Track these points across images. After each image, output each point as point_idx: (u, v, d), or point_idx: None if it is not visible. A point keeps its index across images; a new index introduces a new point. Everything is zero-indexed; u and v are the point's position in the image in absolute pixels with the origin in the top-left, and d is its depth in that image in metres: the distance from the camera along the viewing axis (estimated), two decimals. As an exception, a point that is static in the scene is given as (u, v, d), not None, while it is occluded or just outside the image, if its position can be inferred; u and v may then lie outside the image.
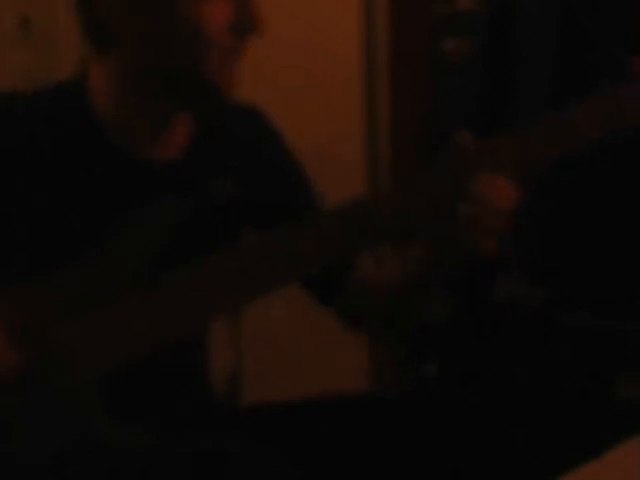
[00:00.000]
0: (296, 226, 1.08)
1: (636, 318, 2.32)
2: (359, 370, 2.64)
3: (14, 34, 2.20)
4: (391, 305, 1.23)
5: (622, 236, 2.37)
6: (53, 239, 1.12)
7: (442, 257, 1.09)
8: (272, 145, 1.27)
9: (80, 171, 1.13)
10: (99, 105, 1.13)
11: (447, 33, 2.51)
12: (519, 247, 2.40)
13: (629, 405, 2.27)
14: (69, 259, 1.07)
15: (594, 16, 2.36)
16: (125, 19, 1.07)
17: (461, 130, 1.06)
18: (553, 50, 2.43)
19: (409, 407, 2.40)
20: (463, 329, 2.55)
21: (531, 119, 1.07)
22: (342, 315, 1.29)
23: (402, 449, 2.18)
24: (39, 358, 1.04)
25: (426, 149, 2.47)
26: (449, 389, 2.54)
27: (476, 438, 2.20)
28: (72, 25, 1.15)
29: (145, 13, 1.06)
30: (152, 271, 1.06)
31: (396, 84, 2.53)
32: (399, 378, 2.64)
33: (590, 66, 2.30)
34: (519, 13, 2.45)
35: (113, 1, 1.06)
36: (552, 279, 2.49)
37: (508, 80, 2.46)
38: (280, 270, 1.07)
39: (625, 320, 2.35)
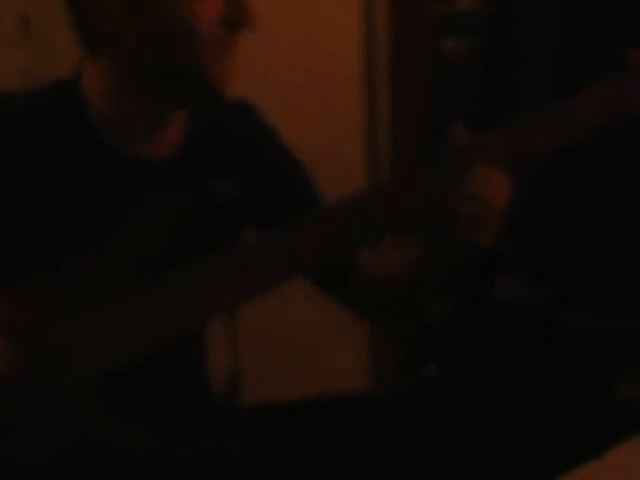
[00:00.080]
0: (295, 222, 1.08)
1: (636, 318, 2.32)
2: (359, 370, 2.63)
3: (14, 34, 2.20)
4: (390, 297, 1.24)
5: (622, 236, 2.37)
6: (52, 239, 1.12)
7: (441, 253, 1.09)
8: (268, 142, 1.26)
9: (76, 171, 1.13)
10: (93, 105, 1.13)
11: (447, 33, 2.51)
12: (517, 243, 2.40)
13: (629, 405, 2.27)
14: (68, 259, 1.07)
15: (594, 16, 2.36)
16: (117, 18, 1.06)
17: (457, 124, 1.06)
18: (553, 50, 2.43)
19: (409, 407, 2.41)
20: (463, 329, 2.55)
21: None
22: (346, 304, 1.29)
23: (402, 449, 2.18)
24: (39, 358, 1.04)
25: (426, 149, 2.47)
26: (449, 389, 2.54)
27: (476, 438, 2.20)
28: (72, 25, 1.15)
29: (137, 12, 1.05)
30: (152, 271, 1.06)
31: (396, 84, 2.53)
32: (399, 378, 2.64)
33: (590, 66, 2.30)
34: (519, 13, 2.45)
35: (104, 1, 1.06)
36: (552, 279, 2.49)
37: (508, 80, 2.46)
38: (280, 266, 1.06)
39: (625, 320, 2.35)
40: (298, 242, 1.06)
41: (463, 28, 2.51)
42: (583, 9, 2.40)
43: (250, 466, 1.17)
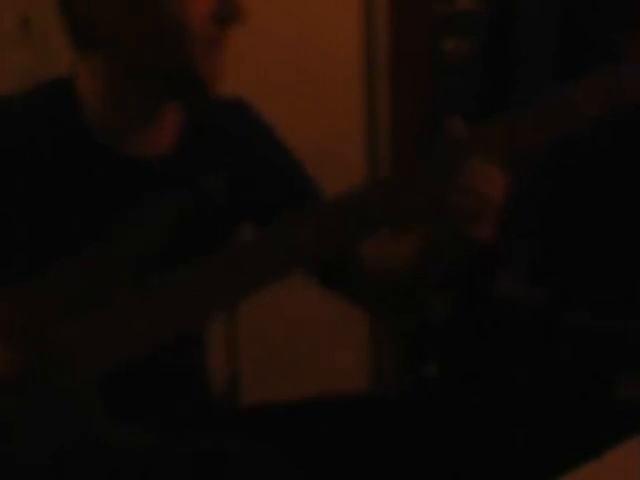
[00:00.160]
0: (294, 217, 1.08)
1: (636, 318, 2.32)
2: (359, 370, 2.64)
3: (14, 34, 2.20)
4: (391, 290, 1.24)
5: (623, 236, 2.37)
6: (50, 239, 1.12)
7: (440, 247, 1.09)
8: (264, 139, 1.26)
9: (71, 170, 1.13)
10: (87, 104, 1.13)
11: (447, 33, 2.51)
12: (517, 240, 2.40)
13: (629, 405, 2.27)
14: (67, 258, 1.07)
15: (594, 16, 2.36)
16: (109, 19, 1.06)
17: (453, 117, 1.06)
18: (553, 50, 2.43)
19: (409, 407, 2.41)
20: (463, 329, 2.56)
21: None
22: (346, 297, 1.29)
23: (402, 449, 2.18)
24: (39, 358, 1.04)
25: (426, 149, 2.47)
26: (449, 389, 2.54)
27: (476, 438, 2.20)
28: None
29: (129, 12, 1.06)
30: (151, 270, 1.06)
31: (396, 84, 2.53)
32: (399, 378, 2.64)
33: (590, 66, 2.30)
34: (519, 13, 2.46)
35: (96, 1, 1.06)
36: (552, 279, 2.49)
37: (508, 80, 2.46)
38: (280, 261, 1.06)
39: (625, 320, 2.35)
40: (297, 237, 1.06)
41: (463, 28, 2.51)
42: (583, 9, 2.40)
43: (250, 466, 1.17)
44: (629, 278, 2.36)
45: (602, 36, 2.28)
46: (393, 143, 2.56)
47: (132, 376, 1.06)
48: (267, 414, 2.30)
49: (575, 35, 2.40)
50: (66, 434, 1.04)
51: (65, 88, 1.14)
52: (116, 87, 1.11)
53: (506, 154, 1.05)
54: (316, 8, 2.43)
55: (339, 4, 2.47)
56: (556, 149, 1.06)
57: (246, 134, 1.24)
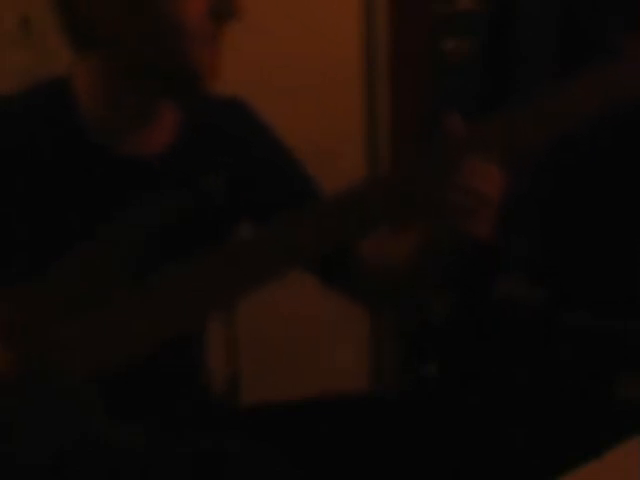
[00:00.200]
0: (294, 215, 1.08)
1: (636, 318, 2.33)
2: (359, 370, 2.64)
3: (14, 34, 2.20)
4: (391, 288, 1.24)
5: (623, 236, 2.37)
6: (49, 239, 1.12)
7: (439, 244, 1.09)
8: (261, 138, 1.26)
9: (67, 170, 1.13)
10: (84, 103, 1.13)
11: (447, 33, 2.51)
12: (517, 239, 2.40)
13: (629, 405, 2.27)
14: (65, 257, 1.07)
15: (594, 16, 2.36)
16: (108, 18, 1.06)
17: (451, 114, 1.06)
18: (553, 50, 2.43)
19: (409, 407, 2.41)
20: (463, 329, 2.55)
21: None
22: (346, 294, 1.29)
23: (402, 449, 2.18)
24: (39, 358, 1.04)
25: (426, 149, 2.47)
26: (449, 389, 2.54)
27: (476, 438, 2.20)
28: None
29: (127, 11, 1.06)
30: (150, 270, 1.06)
31: (396, 84, 2.53)
32: (399, 378, 2.64)
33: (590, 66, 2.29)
34: (519, 13, 2.45)
35: (95, 1, 1.06)
36: (552, 279, 2.49)
37: (508, 80, 2.46)
38: (279, 259, 1.06)
39: (625, 320, 2.35)
40: (297, 234, 1.06)
41: (463, 28, 2.51)
42: (583, 9, 2.40)
43: (250, 466, 1.17)
44: (629, 278, 2.37)
45: (602, 36, 2.28)
46: (393, 143, 2.56)
47: (132, 376, 1.06)
48: (267, 414, 2.30)
49: (575, 35, 2.40)
50: (66, 434, 1.04)
51: (62, 88, 1.14)
52: (113, 87, 1.12)
53: (505, 152, 1.05)
54: (316, 8, 2.43)
55: (339, 4, 2.47)
56: (555, 148, 1.06)
57: (243, 133, 1.24)
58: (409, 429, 2.26)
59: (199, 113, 1.21)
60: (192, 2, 1.05)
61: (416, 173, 1.07)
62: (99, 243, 1.08)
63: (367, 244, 1.24)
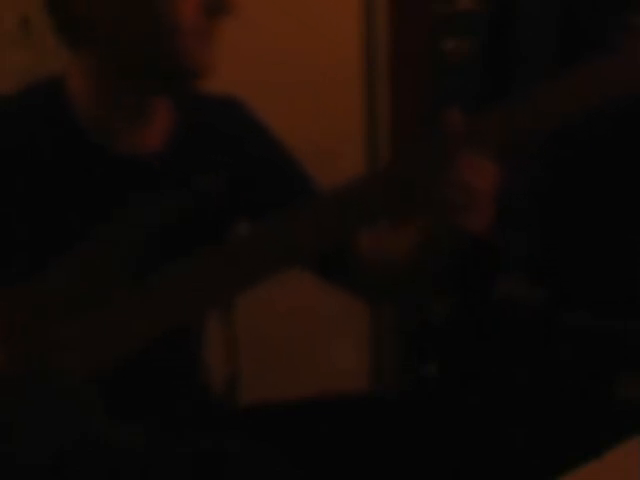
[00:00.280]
0: (291, 211, 1.08)
1: (636, 318, 2.32)
2: (359, 370, 2.64)
3: (14, 34, 2.20)
4: (390, 283, 1.24)
5: (623, 236, 2.36)
6: (48, 239, 1.12)
7: (438, 240, 1.09)
8: (256, 137, 1.26)
9: (65, 170, 1.13)
10: (79, 103, 1.13)
11: (447, 33, 2.51)
12: (517, 239, 2.40)
13: (629, 405, 2.27)
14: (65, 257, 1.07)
15: (594, 16, 2.36)
16: (106, 17, 1.06)
17: (452, 110, 1.06)
18: (553, 50, 2.43)
19: (409, 407, 2.40)
20: (463, 329, 2.55)
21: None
22: (345, 289, 1.29)
23: (402, 449, 2.18)
24: (39, 358, 1.04)
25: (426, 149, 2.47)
26: (449, 389, 2.54)
27: (476, 438, 2.20)
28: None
29: (120, 10, 1.06)
30: (150, 270, 1.06)
31: (396, 84, 2.52)
32: (399, 378, 2.64)
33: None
34: (519, 13, 2.45)
35: (92, 1, 1.06)
36: (552, 279, 2.49)
37: (508, 80, 2.46)
38: (277, 255, 1.06)
39: (625, 320, 2.35)
40: (295, 229, 1.06)
41: (463, 28, 2.51)
42: (583, 9, 2.40)
43: (250, 466, 1.17)
44: (629, 278, 2.36)
45: (602, 36, 2.28)
46: (393, 143, 2.55)
47: (132, 376, 1.06)
48: (267, 414, 2.30)
49: (575, 35, 2.40)
50: (66, 434, 1.04)
51: (58, 88, 1.14)
52: (108, 86, 1.12)
53: (502, 145, 1.04)
54: (316, 8, 2.43)
55: (339, 4, 2.46)
56: (555, 147, 1.06)
57: (239, 132, 1.24)
58: (409, 429, 2.26)
59: (195, 112, 1.21)
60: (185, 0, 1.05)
61: (413, 167, 1.07)
62: (99, 243, 1.08)
63: (366, 239, 1.24)
